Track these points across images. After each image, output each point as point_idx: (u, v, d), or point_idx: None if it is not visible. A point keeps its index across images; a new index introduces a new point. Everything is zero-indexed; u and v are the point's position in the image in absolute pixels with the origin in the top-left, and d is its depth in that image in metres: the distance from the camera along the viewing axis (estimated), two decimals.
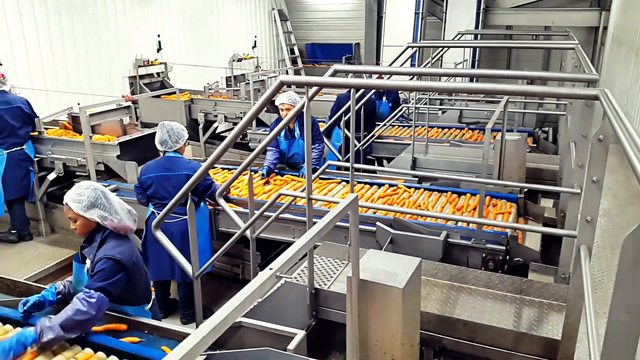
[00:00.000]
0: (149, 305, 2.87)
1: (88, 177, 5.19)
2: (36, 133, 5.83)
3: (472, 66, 11.94)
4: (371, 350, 2.15)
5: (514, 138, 4.41)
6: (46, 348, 2.34)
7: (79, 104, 5.59)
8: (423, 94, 7.31)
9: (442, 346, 2.65)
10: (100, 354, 2.38)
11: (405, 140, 6.55)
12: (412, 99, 6.69)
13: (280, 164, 5.34)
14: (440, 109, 8.15)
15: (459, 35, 7.03)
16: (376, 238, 3.77)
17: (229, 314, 1.21)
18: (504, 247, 3.44)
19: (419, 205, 4.33)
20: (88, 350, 2.41)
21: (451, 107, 8.31)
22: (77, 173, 5.76)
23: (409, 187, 4.69)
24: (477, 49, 11.93)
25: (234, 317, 1.22)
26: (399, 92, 8.59)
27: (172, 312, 4.52)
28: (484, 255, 3.48)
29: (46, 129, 6.10)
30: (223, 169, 5.47)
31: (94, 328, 2.52)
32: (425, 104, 7.23)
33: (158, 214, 3.89)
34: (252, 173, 4.60)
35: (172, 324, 2.70)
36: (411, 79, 5.69)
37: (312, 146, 5.00)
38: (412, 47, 5.27)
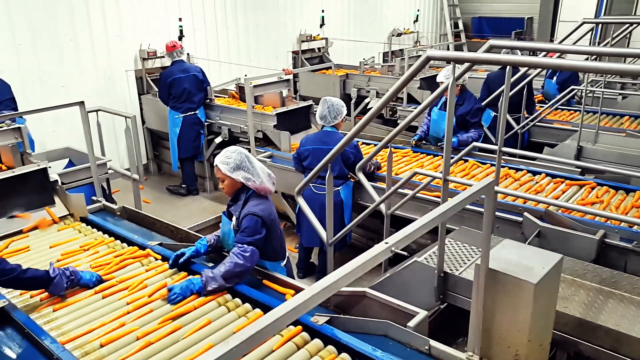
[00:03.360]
0: (284, 262, 3.10)
1: (249, 143, 5.64)
2: (208, 100, 6.50)
3: None
4: (495, 342, 2.06)
5: None
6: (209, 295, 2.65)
7: (245, 75, 6.04)
8: (600, 76, 6.53)
9: (578, 351, 2.43)
10: (247, 305, 2.62)
11: (572, 127, 5.94)
12: (585, 81, 6.01)
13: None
14: (620, 94, 7.19)
15: None
16: (522, 229, 3.55)
17: (338, 278, 1.27)
18: None
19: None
20: (237, 300, 2.66)
21: (635, 92, 7.28)
22: (240, 139, 6.28)
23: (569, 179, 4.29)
24: None
25: (343, 282, 1.28)
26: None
27: (311, 274, 4.80)
28: None
29: (216, 96, 6.76)
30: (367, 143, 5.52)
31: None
32: (601, 87, 6.45)
33: (312, 184, 4.10)
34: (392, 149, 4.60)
35: (305, 283, 2.88)
36: (586, 59, 5.11)
37: (469, 132, 4.83)
38: (588, 23, 4.72)
